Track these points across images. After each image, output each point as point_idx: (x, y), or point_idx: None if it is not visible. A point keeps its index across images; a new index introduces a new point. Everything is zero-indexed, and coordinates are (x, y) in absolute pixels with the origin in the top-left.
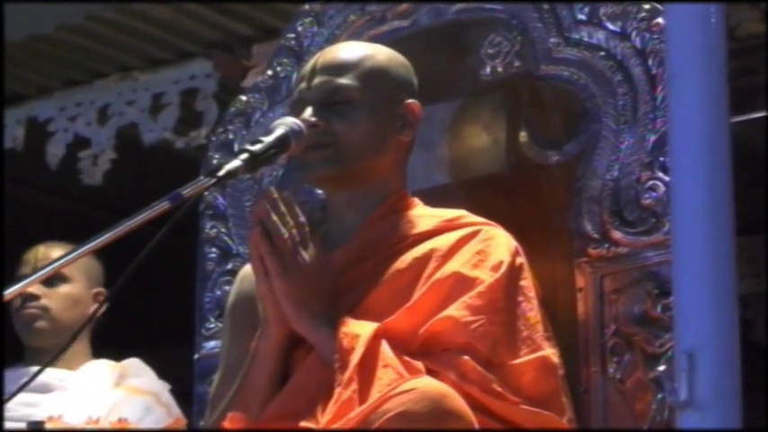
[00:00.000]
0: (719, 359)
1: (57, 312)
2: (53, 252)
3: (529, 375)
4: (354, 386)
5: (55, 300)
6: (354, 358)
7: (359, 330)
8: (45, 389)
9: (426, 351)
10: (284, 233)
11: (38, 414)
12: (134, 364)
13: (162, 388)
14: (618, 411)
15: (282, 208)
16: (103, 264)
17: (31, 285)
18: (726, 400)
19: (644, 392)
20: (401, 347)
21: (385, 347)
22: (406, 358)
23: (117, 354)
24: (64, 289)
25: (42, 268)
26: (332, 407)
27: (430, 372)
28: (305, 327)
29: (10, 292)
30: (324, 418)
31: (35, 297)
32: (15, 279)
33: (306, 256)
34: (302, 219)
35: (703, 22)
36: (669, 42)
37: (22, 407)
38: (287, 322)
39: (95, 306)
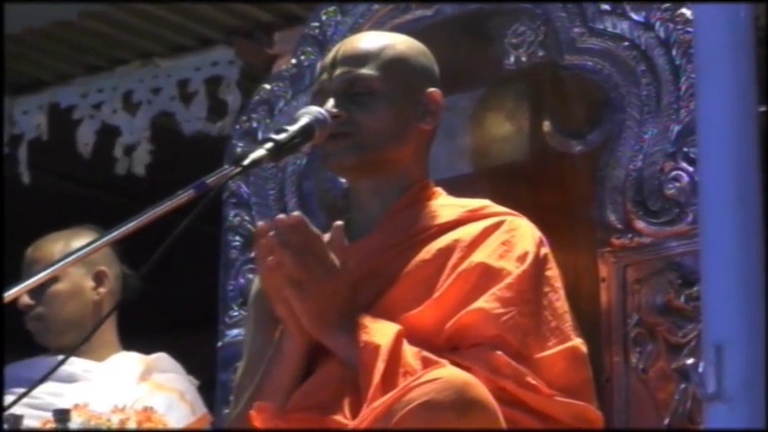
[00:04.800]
0: (748, 352)
1: (53, 315)
2: (42, 249)
3: (559, 366)
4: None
5: (47, 304)
6: (377, 376)
7: (379, 339)
8: (70, 379)
9: (454, 345)
10: (297, 263)
11: (62, 403)
12: (161, 359)
13: (188, 385)
14: (640, 401)
15: (292, 233)
16: (129, 251)
17: (23, 296)
18: (754, 392)
19: (667, 382)
20: (426, 343)
21: (405, 352)
22: (425, 354)
23: (140, 340)
24: (53, 289)
25: (35, 272)
26: (357, 422)
27: (461, 368)
28: (325, 337)
29: (8, 295)
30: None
31: (29, 307)
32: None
33: (326, 273)
34: (317, 234)
35: (732, 15)
36: (697, 36)
37: (46, 395)
38: (308, 332)
39: (100, 288)
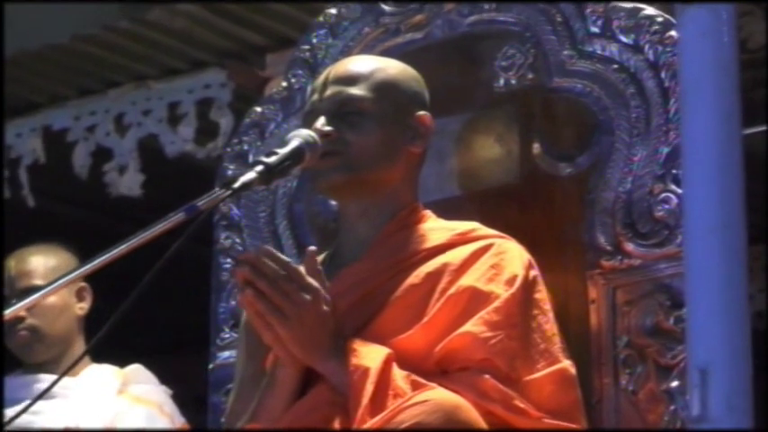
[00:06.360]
0: (732, 374)
1: (46, 328)
2: (29, 263)
3: (548, 388)
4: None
5: (41, 316)
6: (365, 398)
7: (368, 362)
8: (47, 396)
9: (443, 369)
10: (274, 290)
11: (41, 421)
12: (137, 371)
13: (165, 397)
14: (630, 422)
15: (265, 262)
16: (120, 273)
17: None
18: (738, 415)
19: (656, 404)
20: (416, 367)
21: (395, 375)
22: (414, 378)
23: (131, 362)
24: (47, 303)
25: (24, 285)
26: None
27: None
28: (316, 362)
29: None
30: None
31: (20, 319)
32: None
33: (305, 296)
34: (288, 260)
35: (716, 39)
36: (682, 59)
37: (24, 414)
38: (299, 359)
39: (82, 304)
